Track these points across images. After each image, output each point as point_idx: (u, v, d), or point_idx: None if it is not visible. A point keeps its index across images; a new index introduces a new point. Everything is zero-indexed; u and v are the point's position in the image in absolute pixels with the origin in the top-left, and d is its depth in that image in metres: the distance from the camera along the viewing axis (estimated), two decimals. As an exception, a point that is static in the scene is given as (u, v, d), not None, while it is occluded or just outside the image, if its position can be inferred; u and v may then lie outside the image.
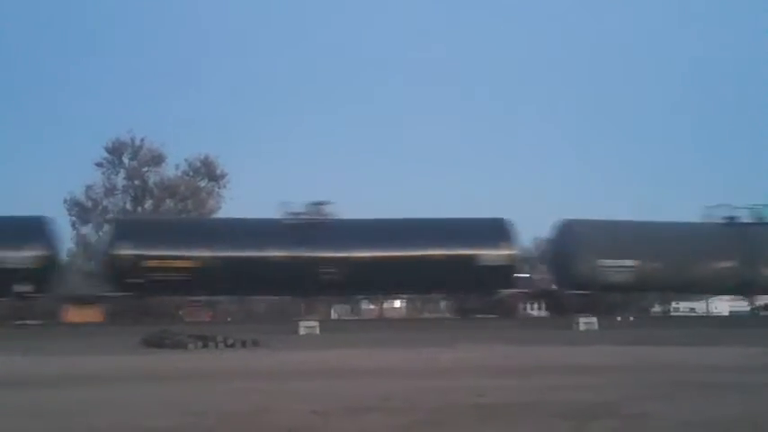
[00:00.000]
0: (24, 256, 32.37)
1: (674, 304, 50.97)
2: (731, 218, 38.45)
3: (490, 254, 35.40)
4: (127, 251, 33.55)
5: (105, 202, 53.75)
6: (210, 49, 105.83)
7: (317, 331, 30.03)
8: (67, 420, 9.75)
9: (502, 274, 35.51)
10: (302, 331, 29.87)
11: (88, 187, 53.70)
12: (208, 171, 55.54)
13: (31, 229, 33.76)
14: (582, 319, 32.21)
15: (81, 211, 52.48)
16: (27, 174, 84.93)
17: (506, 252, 35.86)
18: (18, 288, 32.07)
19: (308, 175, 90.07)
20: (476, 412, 9.99)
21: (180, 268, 33.38)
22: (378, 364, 17.76)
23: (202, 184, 55.64)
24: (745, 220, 38.54)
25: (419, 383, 13.43)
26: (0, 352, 21.06)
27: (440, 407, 10.48)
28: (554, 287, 38.65)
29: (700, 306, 52.34)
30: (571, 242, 36.81)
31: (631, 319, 37.03)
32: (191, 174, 55.79)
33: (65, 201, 53.08)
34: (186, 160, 55.59)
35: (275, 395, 11.90)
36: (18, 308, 32.98)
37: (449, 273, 34.70)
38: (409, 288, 37.50)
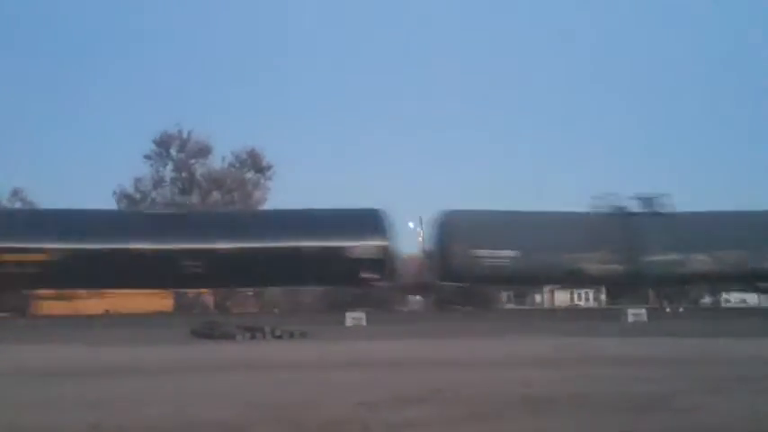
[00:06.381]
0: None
1: (724, 295, 50.19)
2: (618, 208, 37.47)
3: (363, 245, 34.51)
4: None
5: (154, 194, 54.52)
6: (256, 42, 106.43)
7: (364, 322, 30.09)
8: (123, 410, 9.90)
9: (374, 266, 34.41)
10: (349, 322, 29.95)
11: (137, 179, 54.55)
12: (254, 163, 55.96)
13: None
14: (630, 311, 31.87)
15: (130, 203, 53.21)
16: (78, 166, 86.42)
17: (379, 243, 34.81)
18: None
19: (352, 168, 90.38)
20: (525, 404, 9.93)
21: (31, 261, 32.53)
22: (424, 355, 17.76)
23: (248, 175, 56.11)
24: (632, 210, 37.45)
25: (467, 375, 13.39)
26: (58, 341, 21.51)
27: (488, 398, 10.43)
28: (432, 280, 37.03)
29: (751, 298, 51.49)
30: (447, 233, 35.64)
31: (681, 310, 36.58)
32: (237, 165, 56.30)
33: (114, 193, 53.97)
34: (232, 152, 56.14)
35: (322, 386, 11.95)
36: None
37: (319, 265, 33.90)
38: (280, 280, 36.27)
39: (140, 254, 33.17)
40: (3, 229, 34.02)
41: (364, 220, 35.33)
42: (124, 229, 34.52)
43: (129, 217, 35.42)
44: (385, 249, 34.84)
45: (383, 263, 34.67)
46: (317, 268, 33.75)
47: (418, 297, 40.89)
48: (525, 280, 37.65)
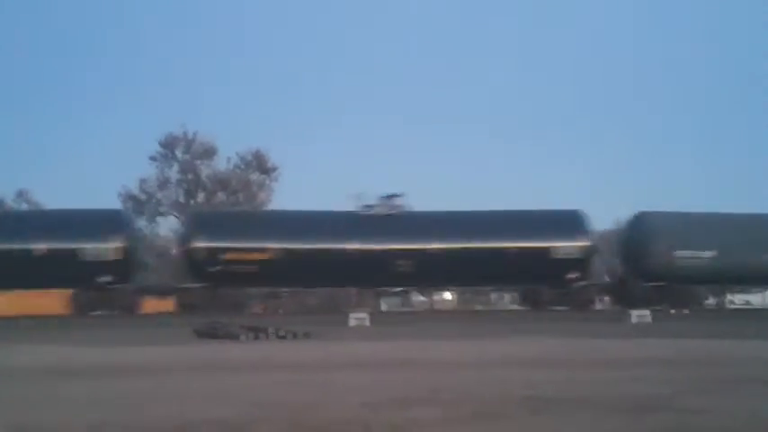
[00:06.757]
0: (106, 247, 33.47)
1: (729, 297, 50.19)
2: None
3: (567, 246, 35.53)
4: (203, 243, 34.25)
5: (159, 195, 54.65)
6: (262, 43, 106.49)
7: (368, 323, 30.10)
8: (123, 410, 9.91)
9: (576, 266, 35.51)
10: (352, 323, 29.96)
11: (142, 180, 54.68)
12: (259, 164, 56.08)
13: (112, 222, 35.00)
14: (635, 312, 31.81)
15: (135, 205, 53.32)
16: (83, 168, 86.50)
17: (581, 244, 35.90)
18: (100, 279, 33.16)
19: (360, 166, 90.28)
20: (527, 405, 9.92)
21: (255, 260, 34.11)
22: (428, 356, 17.75)
23: (253, 177, 56.21)
24: None
25: (470, 376, 13.39)
26: (61, 342, 21.57)
27: (490, 399, 10.43)
28: (625, 279, 38.36)
29: (755, 299, 51.43)
30: (645, 233, 36.63)
31: (685, 311, 36.54)
32: (242, 167, 56.41)
33: (119, 194, 54.09)
34: (238, 153, 56.26)
35: (326, 387, 11.96)
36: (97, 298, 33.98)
37: (523, 265, 34.87)
38: (483, 280, 37.63)
39: (353, 253, 34.70)
40: (224, 228, 35.63)
41: (567, 221, 36.72)
42: (340, 229, 35.85)
43: (344, 217, 36.32)
44: (587, 249, 36.02)
45: (585, 263, 35.97)
46: (521, 268, 34.97)
47: (606, 297, 41.50)
48: (723, 279, 38.37)
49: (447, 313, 41.43)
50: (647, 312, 31.95)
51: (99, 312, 33.51)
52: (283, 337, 23.50)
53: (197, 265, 34.51)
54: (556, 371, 14.19)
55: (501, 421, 9.05)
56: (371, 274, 35.07)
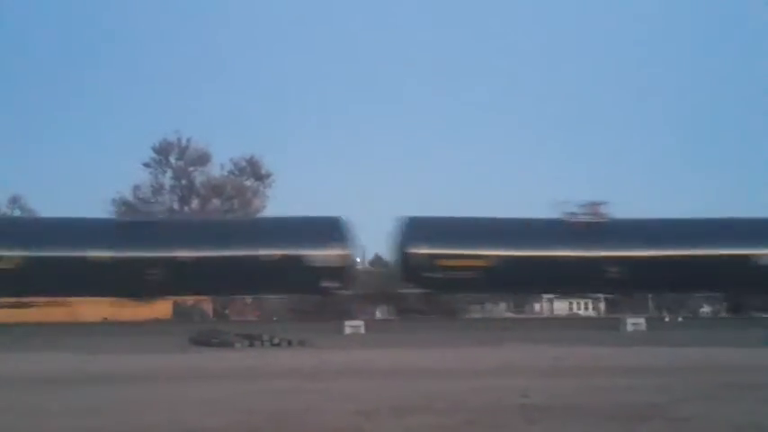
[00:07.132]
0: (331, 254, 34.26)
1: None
2: None
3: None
4: (422, 249, 34.77)
5: (153, 201, 54.53)
6: (256, 50, 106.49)
7: (362, 331, 30.06)
8: (120, 418, 9.90)
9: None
10: (347, 331, 29.92)
11: (136, 187, 54.58)
12: (253, 170, 56.06)
13: (336, 229, 35.59)
14: (629, 320, 31.85)
15: (129, 211, 53.22)
16: (76, 174, 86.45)
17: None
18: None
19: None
20: (521, 413, 9.93)
21: (472, 267, 34.47)
22: (422, 364, 17.76)
23: (248, 183, 56.19)
24: None
25: (464, 384, 13.39)
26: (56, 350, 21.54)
27: (485, 407, 10.44)
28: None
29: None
30: None
31: (680, 319, 36.63)
32: (236, 173, 56.38)
33: (113, 200, 53.96)
34: (231, 160, 56.24)
35: (320, 395, 11.95)
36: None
37: (726, 272, 35.22)
38: (687, 286, 38.15)
39: (566, 260, 35.13)
40: (441, 234, 35.88)
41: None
42: (551, 237, 36.28)
43: (553, 225, 36.68)
44: None
45: None
46: (724, 275, 35.28)
47: None
48: None
49: (441, 321, 41.35)
50: (641, 320, 31.99)
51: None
52: (278, 345, 23.49)
53: (415, 270, 34.92)
54: (550, 379, 14.20)
55: (494, 429, 9.05)
56: (582, 280, 35.80)
